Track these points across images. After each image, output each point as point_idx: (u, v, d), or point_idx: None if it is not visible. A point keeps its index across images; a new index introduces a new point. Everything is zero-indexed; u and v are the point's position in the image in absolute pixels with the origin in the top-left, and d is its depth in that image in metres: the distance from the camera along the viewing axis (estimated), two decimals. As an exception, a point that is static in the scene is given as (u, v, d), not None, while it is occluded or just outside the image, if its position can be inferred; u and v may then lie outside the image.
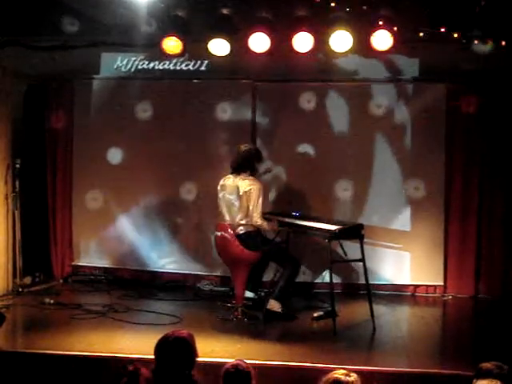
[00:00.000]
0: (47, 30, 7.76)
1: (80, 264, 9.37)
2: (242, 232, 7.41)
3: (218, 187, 7.63)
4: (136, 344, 6.23)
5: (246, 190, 7.38)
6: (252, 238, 7.43)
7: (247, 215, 7.40)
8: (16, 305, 7.91)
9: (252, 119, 9.04)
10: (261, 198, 7.40)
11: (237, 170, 7.58)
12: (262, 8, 7.11)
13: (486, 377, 3.89)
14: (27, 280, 8.81)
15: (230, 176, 7.61)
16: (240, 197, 7.39)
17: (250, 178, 7.49)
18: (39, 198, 9.34)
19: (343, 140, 8.89)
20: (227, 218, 7.50)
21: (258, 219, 7.40)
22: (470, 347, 6.60)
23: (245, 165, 7.55)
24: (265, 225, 7.50)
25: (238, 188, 7.43)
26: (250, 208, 7.35)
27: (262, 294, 7.95)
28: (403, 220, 8.75)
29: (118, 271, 9.30)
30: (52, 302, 7.90)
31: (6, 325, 6.50)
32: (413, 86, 8.80)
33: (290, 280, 7.51)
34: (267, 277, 8.11)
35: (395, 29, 6.88)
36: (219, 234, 7.47)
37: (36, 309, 7.72)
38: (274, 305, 7.31)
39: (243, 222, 7.42)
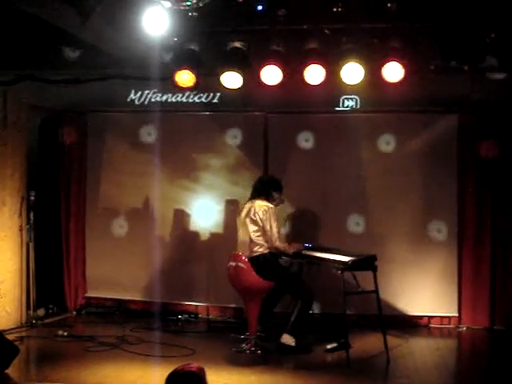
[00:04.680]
0: (61, 64, 7.85)
1: (93, 296, 9.41)
2: (255, 254, 7.43)
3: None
4: (149, 377, 6.23)
5: (258, 211, 7.47)
6: (267, 261, 7.44)
7: (262, 237, 7.44)
8: (29, 337, 7.91)
9: (264, 151, 9.07)
10: (275, 221, 7.46)
11: (254, 196, 7.69)
12: (274, 41, 7.17)
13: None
14: (41, 312, 8.83)
15: (248, 201, 7.70)
16: (253, 218, 7.47)
17: (265, 202, 7.59)
18: (53, 231, 9.37)
19: (355, 170, 8.89)
20: (242, 239, 7.55)
21: (277, 243, 7.45)
22: (486, 379, 6.54)
23: (262, 190, 7.67)
24: (286, 247, 7.56)
25: (251, 209, 7.53)
26: (267, 230, 7.41)
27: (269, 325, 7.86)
28: (417, 252, 8.70)
29: (130, 303, 9.32)
30: (65, 334, 7.92)
31: (20, 357, 6.54)
32: (424, 118, 8.79)
33: (304, 313, 7.46)
34: (279, 308, 8.09)
35: (406, 61, 6.92)
36: (234, 264, 7.46)
37: (49, 341, 7.76)
38: (288, 339, 7.27)
39: (258, 242, 7.45)
